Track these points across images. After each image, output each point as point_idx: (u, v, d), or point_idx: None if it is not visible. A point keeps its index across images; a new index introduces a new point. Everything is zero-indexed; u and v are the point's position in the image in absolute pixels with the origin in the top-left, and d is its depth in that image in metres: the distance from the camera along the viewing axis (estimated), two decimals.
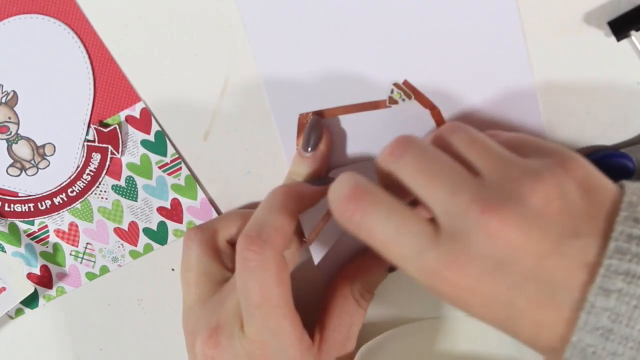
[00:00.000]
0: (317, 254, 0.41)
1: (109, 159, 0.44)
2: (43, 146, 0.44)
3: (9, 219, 0.46)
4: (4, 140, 0.44)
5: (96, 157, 0.44)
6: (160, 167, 0.44)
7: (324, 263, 0.42)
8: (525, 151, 0.33)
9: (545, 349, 0.30)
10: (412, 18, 0.39)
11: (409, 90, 0.40)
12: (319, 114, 0.41)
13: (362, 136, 0.42)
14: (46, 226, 0.46)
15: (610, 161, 0.40)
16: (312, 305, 0.43)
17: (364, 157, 0.42)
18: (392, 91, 0.41)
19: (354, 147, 0.42)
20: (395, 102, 0.41)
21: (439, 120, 0.41)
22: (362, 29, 0.40)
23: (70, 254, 0.46)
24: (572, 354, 0.29)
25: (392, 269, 0.42)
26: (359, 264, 0.42)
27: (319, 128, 0.40)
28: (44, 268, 0.47)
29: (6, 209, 0.45)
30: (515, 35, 0.39)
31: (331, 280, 0.42)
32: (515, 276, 0.29)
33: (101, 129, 0.43)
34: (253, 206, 0.44)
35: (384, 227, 0.31)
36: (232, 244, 0.42)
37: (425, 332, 0.45)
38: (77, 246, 0.46)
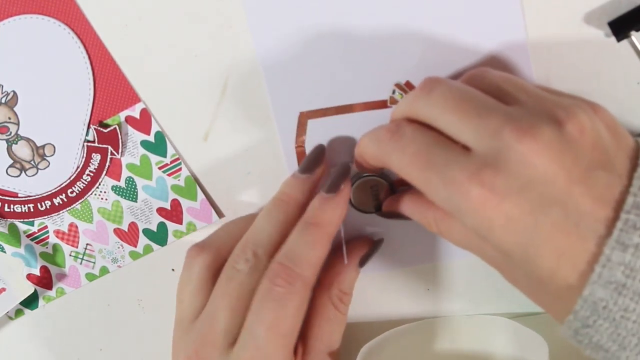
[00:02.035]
0: (345, 252, 0.41)
1: (108, 159, 0.44)
2: (43, 146, 0.44)
3: (8, 219, 0.46)
4: (4, 141, 0.44)
5: (96, 157, 0.44)
6: (160, 168, 0.44)
7: None
8: (554, 93, 0.33)
9: (561, 287, 0.30)
10: (415, 19, 0.39)
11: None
12: (319, 113, 0.41)
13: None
14: (46, 227, 0.46)
15: None
16: None
17: None
18: (393, 91, 0.41)
19: (354, 146, 0.41)
20: (396, 102, 0.41)
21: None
22: (364, 30, 0.40)
23: (70, 255, 0.46)
24: (583, 307, 0.29)
25: (362, 263, 0.41)
26: (330, 269, 0.42)
27: (321, 155, 0.40)
28: (44, 269, 0.47)
29: (6, 209, 0.45)
30: (518, 35, 0.39)
31: None
32: (543, 198, 0.29)
33: (101, 129, 0.43)
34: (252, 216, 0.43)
35: (419, 141, 0.32)
36: None
37: (426, 332, 0.45)
38: (76, 247, 0.46)
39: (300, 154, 0.42)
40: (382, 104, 0.41)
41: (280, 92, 0.41)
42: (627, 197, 0.29)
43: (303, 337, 0.40)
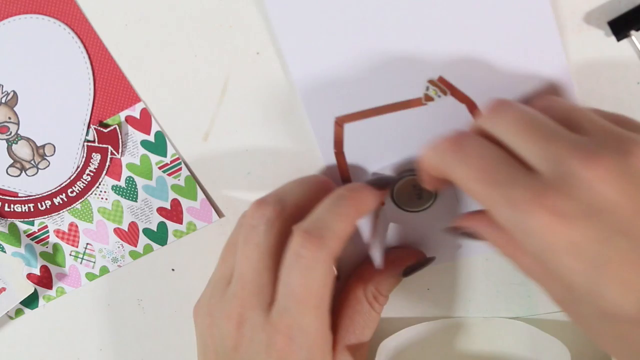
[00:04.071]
0: (377, 255, 0.40)
1: (108, 159, 0.44)
2: (43, 146, 0.44)
3: (9, 219, 0.46)
4: (4, 141, 0.44)
5: (96, 157, 0.44)
6: (160, 168, 0.44)
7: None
8: (621, 123, 0.33)
9: (625, 318, 0.29)
10: (445, 14, 0.39)
11: (445, 87, 0.40)
12: (355, 116, 0.41)
13: (400, 135, 0.41)
14: (46, 226, 0.46)
15: None
16: None
17: (403, 157, 0.42)
18: (427, 88, 0.40)
19: (392, 147, 0.41)
20: (431, 99, 0.41)
21: (476, 114, 0.41)
22: (394, 27, 0.40)
23: (70, 255, 0.46)
24: None
25: (406, 273, 0.42)
26: (372, 266, 0.42)
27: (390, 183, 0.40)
28: (44, 268, 0.47)
29: (6, 209, 0.45)
30: (549, 27, 0.39)
31: (345, 282, 0.42)
32: (608, 226, 0.28)
33: (101, 129, 0.43)
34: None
35: (484, 156, 0.32)
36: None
37: (445, 331, 0.45)
38: (77, 246, 0.46)
39: (340, 159, 0.42)
40: (417, 102, 0.41)
41: (312, 96, 0.41)
42: None
43: (334, 327, 0.40)
